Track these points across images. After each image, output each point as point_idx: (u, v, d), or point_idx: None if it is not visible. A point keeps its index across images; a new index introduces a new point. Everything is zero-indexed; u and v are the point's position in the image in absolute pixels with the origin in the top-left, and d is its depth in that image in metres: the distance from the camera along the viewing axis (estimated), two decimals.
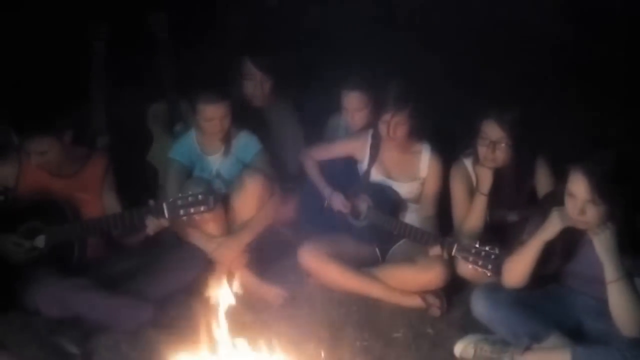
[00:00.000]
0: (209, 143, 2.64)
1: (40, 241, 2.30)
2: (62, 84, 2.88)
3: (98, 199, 2.46)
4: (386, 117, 2.49)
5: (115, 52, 3.00)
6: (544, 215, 2.16)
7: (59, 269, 2.26)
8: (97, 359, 2.15)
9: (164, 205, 2.27)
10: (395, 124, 2.49)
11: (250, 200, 2.48)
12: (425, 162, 2.61)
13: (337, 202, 2.60)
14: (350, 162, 2.68)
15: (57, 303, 2.18)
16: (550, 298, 2.24)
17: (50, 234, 2.31)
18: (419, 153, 2.62)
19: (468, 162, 2.55)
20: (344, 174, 2.67)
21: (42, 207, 2.34)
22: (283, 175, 2.76)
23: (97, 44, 2.97)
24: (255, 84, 2.81)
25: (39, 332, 2.19)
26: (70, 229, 2.32)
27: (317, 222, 2.64)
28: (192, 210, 2.25)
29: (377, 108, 2.59)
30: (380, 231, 2.53)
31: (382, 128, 2.52)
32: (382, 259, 2.61)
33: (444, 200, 2.63)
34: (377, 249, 2.62)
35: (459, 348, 2.18)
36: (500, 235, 2.46)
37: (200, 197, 2.26)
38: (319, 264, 2.46)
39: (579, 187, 1.99)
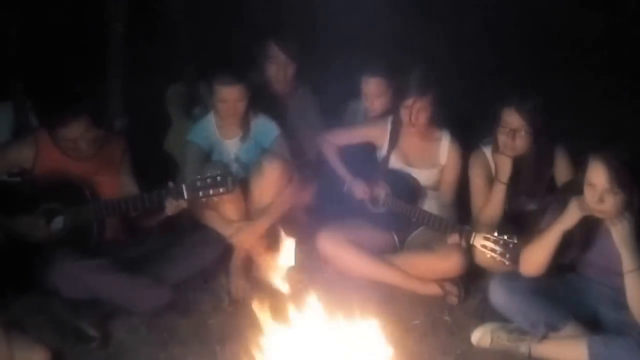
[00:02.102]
0: (227, 127, 2.63)
1: (58, 223, 2.31)
2: (83, 66, 2.88)
3: (116, 181, 2.45)
4: (407, 103, 2.47)
5: (133, 34, 2.96)
6: (562, 205, 2.16)
7: (78, 251, 2.26)
8: (115, 341, 2.17)
9: (183, 187, 2.26)
10: (416, 111, 2.47)
11: (269, 185, 2.47)
12: (444, 150, 2.60)
13: (358, 188, 2.59)
14: (368, 149, 2.67)
15: (76, 284, 2.19)
16: (568, 287, 2.24)
17: (69, 216, 2.31)
18: (439, 140, 2.61)
19: (487, 150, 2.53)
20: (362, 160, 2.65)
21: (60, 189, 2.34)
22: (301, 161, 2.75)
23: (115, 26, 2.93)
24: (279, 68, 2.80)
25: (57, 314, 2.21)
26: (88, 211, 2.32)
27: (335, 208, 2.63)
28: (210, 192, 2.25)
29: (397, 94, 2.57)
30: (398, 218, 2.52)
31: (403, 114, 2.51)
32: (400, 246, 2.60)
33: (462, 188, 2.62)
34: (395, 236, 2.61)
35: (476, 336, 2.19)
36: (518, 224, 2.45)
37: (219, 179, 2.25)
38: (337, 250, 2.46)
39: (598, 176, 1.99)
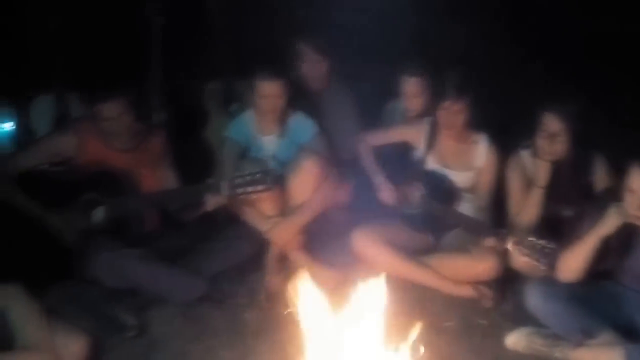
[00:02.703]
0: (265, 124, 2.65)
1: (99, 213, 2.36)
2: (124, 57, 2.93)
3: (156, 174, 2.50)
4: (446, 104, 2.47)
5: (173, 30, 3.02)
6: (601, 211, 2.13)
7: (117, 241, 2.31)
8: (151, 330, 2.21)
9: (223, 183, 2.29)
10: (453, 113, 2.46)
11: (306, 182, 2.48)
12: (482, 152, 2.59)
13: (386, 193, 2.59)
14: (405, 149, 2.66)
15: (115, 273, 2.24)
16: (604, 294, 2.21)
17: (109, 206, 2.36)
18: (476, 143, 2.59)
19: (525, 154, 2.51)
20: (399, 160, 2.65)
21: (101, 180, 2.39)
22: (337, 159, 2.75)
23: (155, 20, 2.99)
24: (311, 66, 2.82)
25: (95, 303, 2.26)
26: (128, 202, 2.37)
27: (371, 207, 2.63)
28: (249, 189, 2.28)
29: (435, 95, 2.57)
30: (433, 220, 2.52)
31: (440, 116, 2.51)
32: (435, 248, 2.59)
33: (498, 191, 2.60)
34: (430, 237, 2.61)
35: (510, 340, 2.18)
36: (554, 229, 2.42)
37: (258, 176, 2.27)
38: (373, 250, 2.46)
39: (638, 182, 1.97)
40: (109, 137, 2.43)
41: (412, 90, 2.68)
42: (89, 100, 2.37)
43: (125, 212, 2.37)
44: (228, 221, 2.52)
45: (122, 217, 2.37)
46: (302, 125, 2.66)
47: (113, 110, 2.34)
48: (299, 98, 2.69)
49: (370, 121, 2.89)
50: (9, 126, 2.88)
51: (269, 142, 2.67)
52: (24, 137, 2.87)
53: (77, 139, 2.43)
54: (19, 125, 2.89)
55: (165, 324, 2.22)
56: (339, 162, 2.77)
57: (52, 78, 2.87)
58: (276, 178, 2.41)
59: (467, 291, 2.40)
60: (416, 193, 2.58)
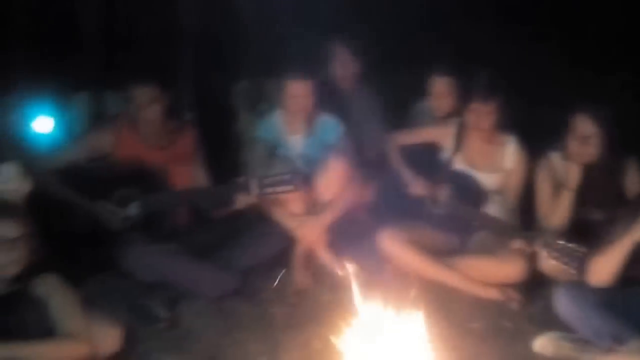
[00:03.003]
0: (292, 123, 2.70)
1: (133, 208, 2.43)
2: (157, 57, 3.02)
3: (188, 171, 2.57)
4: (475, 105, 2.47)
5: (204, 29, 3.11)
6: (634, 215, 2.10)
7: (151, 236, 2.39)
8: (183, 324, 2.27)
9: (252, 183, 2.33)
10: (484, 113, 2.46)
11: (333, 181, 2.52)
12: (510, 154, 2.57)
13: (418, 186, 2.59)
14: (432, 150, 2.67)
15: (148, 267, 2.31)
16: (635, 300, 2.16)
17: (144, 202, 2.43)
18: (505, 144, 2.58)
19: (555, 157, 2.49)
20: (426, 161, 2.66)
21: (136, 176, 2.46)
22: (364, 159, 2.79)
23: (187, 21, 3.08)
24: (343, 66, 2.86)
25: (130, 295, 2.33)
26: (162, 198, 2.43)
27: (397, 208, 2.64)
28: (278, 189, 2.32)
29: (464, 95, 2.57)
30: (460, 221, 2.51)
31: (470, 117, 2.51)
32: (461, 249, 2.58)
33: (526, 194, 2.58)
34: (456, 239, 2.60)
35: (538, 344, 2.15)
36: (584, 233, 2.38)
37: (287, 177, 2.32)
38: (399, 250, 2.47)
39: None
40: (144, 131, 2.51)
41: (440, 90, 2.69)
42: (127, 86, 2.44)
43: (159, 208, 2.43)
44: (257, 218, 2.56)
45: (155, 212, 2.43)
46: (329, 125, 2.69)
47: (147, 95, 2.41)
48: (327, 98, 2.72)
49: (397, 121, 2.90)
50: (48, 123, 3.00)
51: (297, 142, 2.71)
52: (62, 135, 2.96)
53: (114, 136, 2.52)
54: (57, 123, 2.97)
55: (196, 316, 2.28)
56: (366, 162, 2.81)
57: (91, 77, 2.96)
58: (304, 178, 2.45)
59: (493, 293, 2.39)
60: (443, 194, 2.58)
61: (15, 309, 1.89)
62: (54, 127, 2.98)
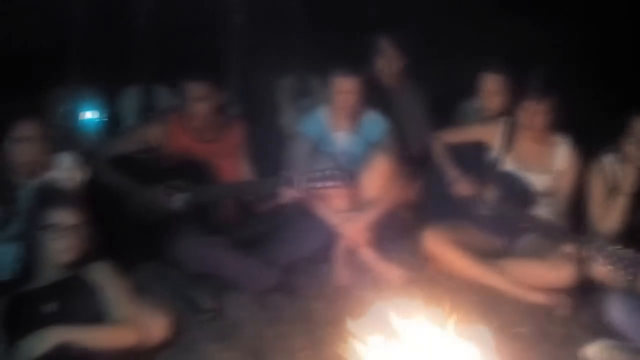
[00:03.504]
0: (337, 120, 2.70)
1: (180, 200, 2.48)
2: (205, 51, 3.06)
3: (234, 165, 2.61)
4: (529, 104, 2.41)
5: (250, 25, 3.12)
6: None
7: (198, 228, 2.42)
8: (227, 315, 2.30)
9: (298, 177, 2.35)
10: (536, 113, 2.40)
11: (378, 178, 2.51)
12: (563, 156, 2.50)
13: (464, 186, 2.55)
14: (479, 149, 2.62)
15: (194, 259, 2.35)
16: None
17: (191, 194, 2.48)
18: (557, 145, 2.52)
19: (610, 159, 2.40)
20: (472, 160, 2.61)
21: (184, 168, 2.51)
22: (408, 157, 2.76)
23: (236, 17, 3.11)
24: (388, 62, 2.84)
25: (177, 285, 2.39)
26: (209, 191, 2.47)
27: (441, 207, 2.61)
28: (324, 184, 2.33)
29: (515, 94, 2.52)
30: (507, 223, 2.46)
31: (521, 116, 2.45)
32: (507, 252, 2.53)
33: (578, 197, 2.51)
34: (502, 241, 2.54)
35: (589, 352, 2.07)
36: (638, 239, 2.30)
37: (333, 172, 2.33)
38: (443, 250, 2.44)
39: None
40: (194, 124, 2.55)
41: (491, 88, 2.63)
42: (180, 80, 2.48)
43: (206, 200, 2.48)
44: (300, 213, 2.57)
45: (202, 204, 2.48)
46: (374, 122, 2.68)
47: (201, 91, 2.46)
48: (373, 95, 2.70)
49: (444, 119, 2.86)
50: (100, 115, 3.09)
51: (341, 138, 2.70)
52: (112, 126, 3.07)
53: (165, 129, 2.58)
54: (108, 115, 3.08)
55: (239, 309, 2.31)
56: (410, 160, 2.78)
57: (140, 70, 3.03)
58: (349, 174, 2.44)
59: (541, 298, 2.33)
60: (490, 194, 2.53)
61: (70, 294, 1.96)
62: (106, 119, 3.08)
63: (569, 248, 2.28)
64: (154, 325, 2.03)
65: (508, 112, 2.56)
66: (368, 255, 2.51)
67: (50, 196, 2.09)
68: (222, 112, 2.63)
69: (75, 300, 1.95)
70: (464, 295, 2.40)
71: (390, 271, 2.46)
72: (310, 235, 2.46)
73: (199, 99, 2.47)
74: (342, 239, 2.53)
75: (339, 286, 2.44)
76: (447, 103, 2.93)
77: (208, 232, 2.41)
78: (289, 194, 2.37)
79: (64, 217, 2.00)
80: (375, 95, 2.76)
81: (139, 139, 2.60)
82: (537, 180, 2.53)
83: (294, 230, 2.49)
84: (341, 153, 2.69)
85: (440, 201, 2.64)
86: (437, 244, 2.46)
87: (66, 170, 2.23)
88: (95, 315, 1.95)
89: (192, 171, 2.48)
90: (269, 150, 2.89)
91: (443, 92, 2.93)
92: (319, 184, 2.33)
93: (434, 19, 3.14)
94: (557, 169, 2.53)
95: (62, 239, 1.97)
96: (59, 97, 3.00)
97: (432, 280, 2.44)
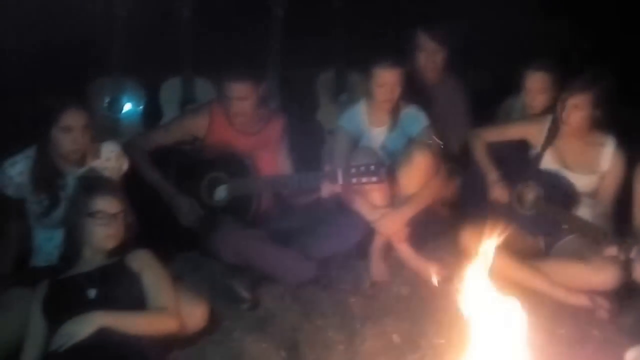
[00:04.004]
0: (377, 115, 2.68)
1: (221, 191, 2.52)
2: (246, 45, 3.09)
3: (274, 158, 2.63)
4: (573, 102, 2.35)
5: (291, 19, 3.12)
6: None
7: (237, 220, 2.45)
8: (264, 306, 2.32)
9: (339, 172, 2.35)
10: (572, 107, 2.35)
11: (417, 174, 2.48)
12: (608, 156, 2.45)
13: (501, 192, 2.52)
14: (520, 147, 2.58)
15: (233, 250, 2.37)
16: None
17: (232, 186, 2.52)
18: (602, 145, 2.46)
19: None
20: (513, 158, 2.57)
21: (226, 160, 2.54)
22: (447, 153, 2.73)
23: (276, 10, 3.11)
24: (429, 57, 2.81)
25: (215, 275, 2.42)
26: (250, 183, 2.50)
27: (480, 205, 2.57)
28: (364, 179, 2.32)
29: (561, 92, 2.44)
30: (548, 223, 2.42)
31: (567, 113, 2.39)
32: (547, 252, 2.49)
33: (621, 198, 2.45)
34: (542, 241, 2.51)
35: (631, 356, 2.02)
36: None
37: (373, 167, 2.31)
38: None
39: None
40: (236, 119, 2.58)
41: (536, 86, 2.58)
42: (224, 80, 2.50)
43: (246, 193, 2.50)
44: (337, 208, 2.56)
45: (242, 197, 2.51)
46: (414, 117, 2.65)
47: (245, 91, 2.48)
48: (413, 90, 2.68)
49: (485, 116, 2.82)
50: (141, 107, 3.13)
51: (379, 133, 2.69)
52: (152, 118, 3.11)
53: (207, 121, 2.60)
54: (149, 106, 3.12)
55: (276, 300, 2.33)
56: (450, 157, 2.75)
57: (182, 62, 3.07)
58: (388, 170, 2.43)
59: (581, 300, 2.29)
60: (531, 194, 2.50)
61: (112, 280, 2.00)
62: (147, 110, 3.12)
63: (611, 250, 2.22)
64: (192, 314, 2.07)
65: (552, 110, 2.50)
66: (405, 251, 2.50)
67: (95, 184, 2.14)
68: (263, 105, 2.64)
69: (116, 287, 1.99)
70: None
71: (427, 268, 2.44)
72: (347, 231, 2.46)
73: (241, 99, 2.49)
74: (379, 234, 2.52)
75: (375, 282, 2.44)
76: (491, 100, 2.88)
77: (247, 224, 2.43)
78: (329, 189, 2.37)
79: (109, 204, 2.05)
80: (415, 90, 2.72)
81: (180, 130, 2.63)
82: (580, 180, 2.48)
83: (331, 225, 2.49)
84: (380, 149, 2.66)
85: (479, 199, 2.60)
86: (476, 242, 2.41)
87: (110, 160, 2.27)
88: (136, 302, 1.98)
89: (233, 163, 2.51)
90: (306, 145, 2.89)
91: (487, 89, 2.89)
92: (359, 179, 2.31)
93: (479, 14, 3.09)
94: (601, 169, 2.47)
95: (106, 226, 2.03)
96: (103, 87, 3.06)
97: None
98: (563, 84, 2.47)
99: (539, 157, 2.54)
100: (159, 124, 2.98)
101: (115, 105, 3.09)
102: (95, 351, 1.81)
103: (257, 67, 2.62)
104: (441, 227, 2.63)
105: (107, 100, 3.06)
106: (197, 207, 2.50)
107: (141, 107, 3.10)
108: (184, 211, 2.50)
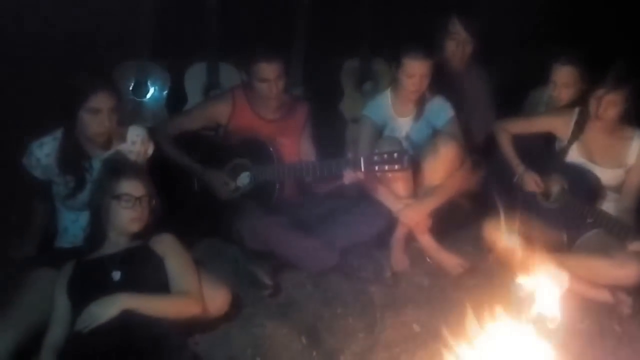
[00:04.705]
0: (402, 105, 2.66)
1: (245, 178, 2.52)
2: (272, 31, 3.08)
3: (297, 145, 2.63)
4: (601, 94, 2.32)
5: (316, 7, 3.10)
6: None
7: (260, 206, 2.45)
8: (285, 293, 2.34)
9: (361, 159, 2.34)
10: (606, 103, 2.32)
11: (442, 165, 2.47)
12: (635, 150, 2.42)
13: (530, 180, 2.50)
14: (546, 139, 2.55)
15: (255, 237, 2.38)
16: None
17: (255, 172, 2.52)
18: (629, 139, 2.43)
19: None
20: (538, 151, 2.55)
21: (249, 147, 2.54)
22: (472, 144, 2.71)
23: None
24: (458, 45, 2.76)
25: (237, 261, 2.43)
26: (273, 170, 2.50)
27: (504, 198, 2.48)
28: (386, 167, 2.31)
29: (588, 85, 2.43)
30: (571, 216, 2.40)
31: (592, 106, 2.37)
32: (569, 246, 2.47)
33: None
34: (564, 235, 2.48)
35: None
36: None
37: (395, 155, 2.30)
38: (504, 241, 2.36)
39: None
40: (260, 105, 2.58)
41: (563, 80, 2.54)
42: (253, 61, 2.47)
43: (269, 179, 2.50)
44: (360, 196, 2.56)
45: (265, 183, 2.51)
46: (440, 108, 2.63)
47: (273, 72, 2.46)
48: (439, 79, 2.64)
49: (511, 108, 2.79)
50: (165, 91, 3.12)
51: (404, 123, 2.67)
52: (176, 103, 3.11)
53: (230, 108, 2.60)
54: (172, 91, 3.12)
55: (297, 287, 2.35)
56: (474, 148, 2.73)
57: (207, 47, 3.06)
58: (412, 158, 2.42)
59: (603, 295, 2.28)
60: (556, 187, 2.48)
61: (136, 262, 2.02)
62: (172, 95, 3.11)
63: (635, 245, 2.23)
64: (215, 299, 2.08)
65: (579, 103, 2.48)
66: (427, 242, 2.50)
67: (121, 167, 2.16)
68: (287, 92, 2.63)
69: (141, 269, 2.01)
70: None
71: (449, 260, 2.45)
72: (370, 220, 2.45)
73: (270, 80, 2.47)
74: (401, 224, 2.52)
75: (396, 272, 2.44)
76: (518, 91, 2.84)
77: (270, 211, 2.43)
78: (352, 176, 2.36)
79: (134, 187, 2.07)
80: (441, 79, 2.67)
81: (203, 117, 2.63)
82: (605, 174, 2.45)
83: (354, 214, 2.48)
84: (404, 139, 2.63)
85: (503, 192, 2.55)
86: (499, 235, 2.40)
87: (136, 143, 2.28)
88: (160, 285, 2.01)
89: (257, 150, 2.50)
90: (329, 132, 2.90)
91: (515, 80, 2.84)
92: (382, 167, 2.30)
93: (510, 4, 3.04)
94: (628, 163, 2.44)
95: (131, 209, 2.05)
96: (128, 71, 3.06)
97: (492, 271, 2.38)
98: (590, 78, 2.44)
99: (565, 150, 2.51)
100: (183, 109, 2.99)
101: (140, 89, 3.09)
102: (118, 333, 1.82)
103: (281, 51, 2.60)
104: (463, 219, 2.61)
105: (131, 84, 3.07)
106: (229, 179, 2.50)
107: (165, 92, 3.10)
108: (217, 185, 2.50)
